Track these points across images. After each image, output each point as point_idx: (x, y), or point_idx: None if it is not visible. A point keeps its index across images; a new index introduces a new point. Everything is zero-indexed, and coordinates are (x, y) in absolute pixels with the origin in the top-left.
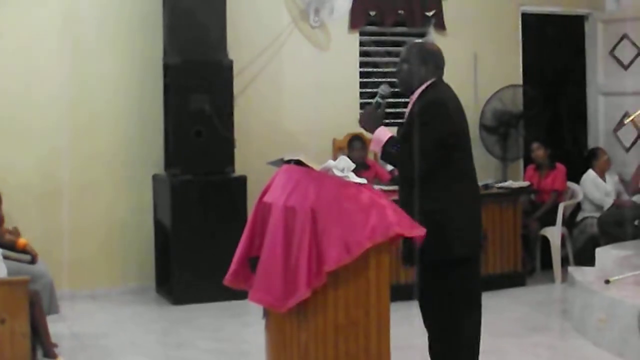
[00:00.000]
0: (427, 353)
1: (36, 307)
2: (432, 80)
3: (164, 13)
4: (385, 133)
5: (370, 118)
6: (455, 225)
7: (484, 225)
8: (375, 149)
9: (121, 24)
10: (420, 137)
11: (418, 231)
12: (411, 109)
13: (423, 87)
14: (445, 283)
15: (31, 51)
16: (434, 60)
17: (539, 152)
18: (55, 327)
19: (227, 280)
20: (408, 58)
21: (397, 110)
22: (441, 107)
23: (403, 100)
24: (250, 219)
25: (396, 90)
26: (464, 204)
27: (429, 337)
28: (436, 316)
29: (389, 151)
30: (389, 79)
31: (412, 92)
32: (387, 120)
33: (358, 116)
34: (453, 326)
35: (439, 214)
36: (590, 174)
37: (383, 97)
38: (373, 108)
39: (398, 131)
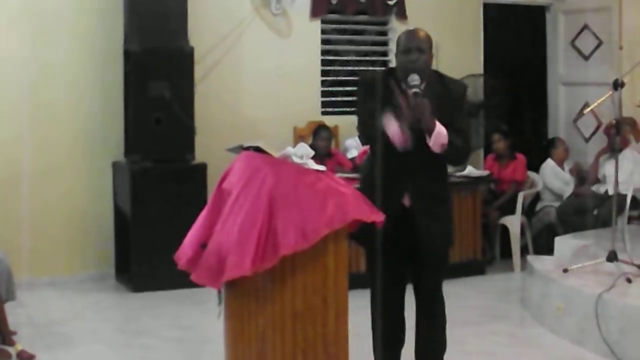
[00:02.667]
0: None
1: None
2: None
3: None
4: (441, 127)
5: (425, 107)
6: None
7: None
8: (438, 143)
9: (82, 10)
10: (467, 121)
11: (376, 217)
12: (426, 90)
13: (429, 73)
14: (444, 263)
15: None
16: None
17: (499, 143)
18: (14, 314)
19: (183, 265)
20: (424, 48)
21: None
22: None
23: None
24: (208, 205)
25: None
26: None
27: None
28: (435, 293)
29: (456, 144)
30: (350, 68)
31: (424, 81)
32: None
33: (419, 116)
34: (442, 301)
35: (449, 202)
36: (550, 162)
37: (419, 87)
38: (419, 97)
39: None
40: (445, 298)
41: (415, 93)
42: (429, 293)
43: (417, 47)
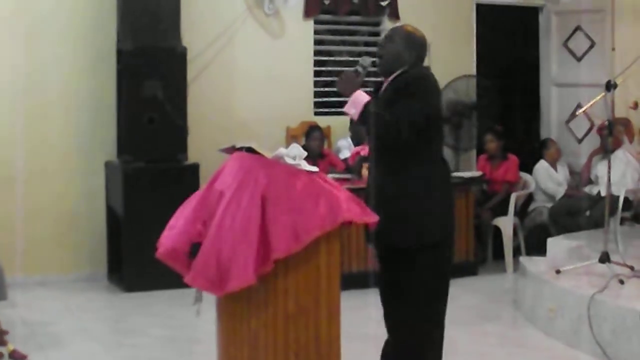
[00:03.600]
0: (379, 342)
1: None
2: (409, 66)
3: None
4: (364, 95)
5: (349, 81)
6: (426, 208)
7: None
8: (351, 110)
9: (75, 10)
10: (409, 105)
11: (369, 218)
12: (387, 88)
13: (401, 71)
14: (412, 270)
15: None
16: (417, 48)
17: (491, 144)
18: (6, 313)
19: (161, 255)
20: (394, 39)
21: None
22: (428, 83)
23: None
24: (195, 200)
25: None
26: (436, 187)
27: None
28: (400, 305)
29: (369, 110)
30: (342, 68)
31: (389, 76)
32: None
33: (341, 84)
34: (416, 316)
35: (410, 197)
36: (543, 163)
37: (363, 67)
38: (352, 73)
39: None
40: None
41: (356, 70)
42: (388, 320)
43: (387, 37)
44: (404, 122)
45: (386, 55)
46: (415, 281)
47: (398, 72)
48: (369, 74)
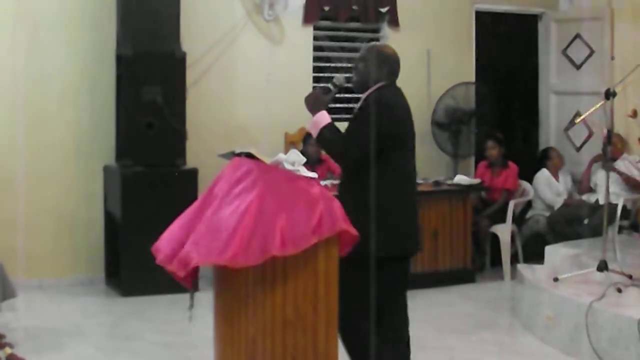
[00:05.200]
0: None
1: None
2: (385, 83)
3: (117, 4)
4: (326, 117)
5: (317, 100)
6: (389, 221)
7: (434, 221)
8: (312, 129)
9: (75, 15)
10: (359, 130)
11: (354, 230)
12: (358, 107)
13: (374, 87)
14: (370, 281)
15: None
16: (389, 64)
17: (493, 151)
18: (3, 317)
19: (161, 261)
20: (366, 58)
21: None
22: (387, 108)
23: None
24: (194, 207)
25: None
26: (399, 202)
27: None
28: (356, 315)
29: (325, 135)
30: (344, 74)
31: (364, 92)
32: (337, 115)
33: (308, 101)
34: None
35: (377, 210)
36: (544, 173)
37: (335, 85)
38: (322, 91)
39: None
40: (434, 307)
41: (327, 88)
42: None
43: (360, 57)
44: (352, 146)
45: (359, 74)
46: (376, 290)
47: (373, 88)
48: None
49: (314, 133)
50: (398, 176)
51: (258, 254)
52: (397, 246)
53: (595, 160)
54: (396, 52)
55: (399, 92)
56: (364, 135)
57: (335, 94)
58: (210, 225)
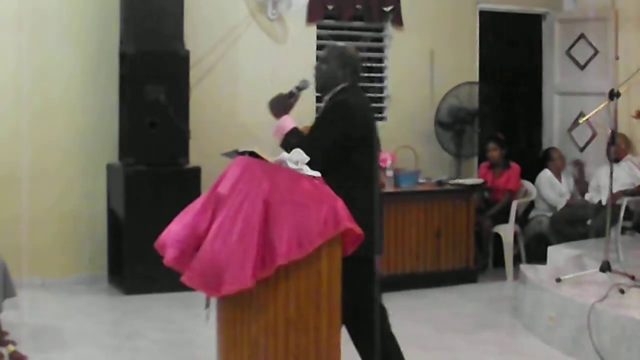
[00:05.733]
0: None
1: None
2: (347, 84)
3: (120, 2)
4: (289, 122)
5: (280, 104)
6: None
7: (436, 221)
8: (276, 135)
9: (78, 13)
10: (321, 134)
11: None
12: (322, 108)
13: (337, 89)
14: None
15: None
16: (352, 65)
17: (494, 152)
18: (6, 315)
19: (170, 262)
20: (328, 59)
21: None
22: (346, 109)
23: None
24: (198, 204)
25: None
26: (357, 204)
27: None
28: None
29: (289, 140)
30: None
31: (327, 93)
32: None
33: (272, 106)
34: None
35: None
36: (547, 173)
37: (299, 89)
38: (286, 95)
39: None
40: (436, 307)
41: (291, 92)
42: None
43: (321, 58)
44: (314, 149)
45: (322, 76)
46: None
47: (336, 89)
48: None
49: (278, 138)
50: (360, 177)
51: (267, 271)
52: (361, 247)
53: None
54: (358, 53)
55: (361, 93)
56: (325, 138)
57: (299, 97)
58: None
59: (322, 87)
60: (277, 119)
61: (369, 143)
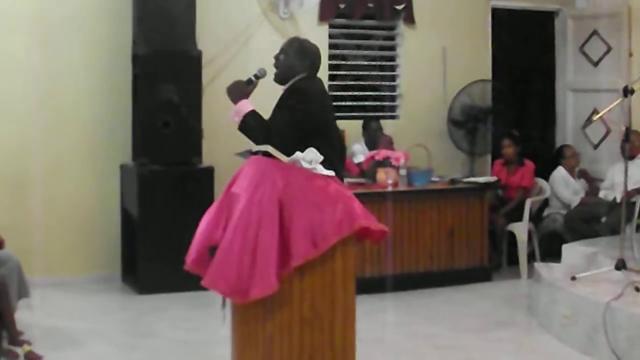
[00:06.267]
0: (393, 347)
1: (2, 294)
2: (304, 74)
3: (133, 3)
4: (247, 106)
5: (238, 89)
6: None
7: (450, 219)
8: (234, 118)
9: (90, 14)
10: (278, 118)
11: (382, 225)
12: (281, 97)
13: (295, 79)
14: None
15: (0, 41)
16: (310, 57)
17: (509, 149)
18: (21, 314)
19: (189, 266)
20: (287, 51)
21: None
22: (302, 95)
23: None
24: (214, 206)
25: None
26: None
27: None
28: None
29: (248, 122)
30: (357, 72)
31: (285, 84)
32: None
33: (230, 91)
34: None
35: None
36: (561, 171)
37: (257, 77)
38: (244, 82)
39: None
40: (451, 305)
41: (249, 79)
42: None
43: (281, 49)
44: (275, 132)
45: (281, 67)
46: None
47: (293, 80)
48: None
49: (237, 121)
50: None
51: (284, 271)
52: None
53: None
54: (317, 47)
55: (319, 83)
56: (282, 122)
57: (256, 84)
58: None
59: (280, 77)
60: (235, 104)
61: (328, 131)
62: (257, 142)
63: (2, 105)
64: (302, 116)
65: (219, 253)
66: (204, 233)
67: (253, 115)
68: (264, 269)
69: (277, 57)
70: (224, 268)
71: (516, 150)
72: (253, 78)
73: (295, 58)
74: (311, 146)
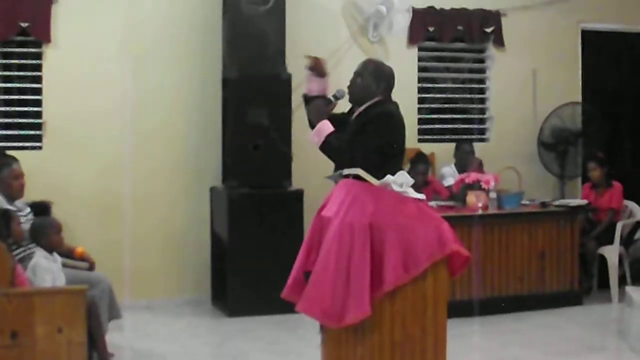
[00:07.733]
0: None
1: (93, 316)
2: (381, 97)
3: (223, 27)
4: (329, 126)
5: (318, 110)
6: None
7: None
8: (314, 138)
9: (181, 38)
10: (364, 139)
11: (467, 251)
12: (357, 117)
13: (371, 102)
14: None
15: (92, 64)
16: (386, 80)
17: (595, 172)
18: (112, 336)
19: (285, 294)
20: (363, 73)
21: None
22: (392, 120)
23: None
24: (308, 233)
25: None
26: None
27: None
28: None
29: (331, 142)
30: (446, 95)
31: (360, 105)
32: None
33: (311, 112)
34: None
35: None
36: None
37: (336, 97)
38: (324, 103)
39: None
40: (541, 329)
41: (328, 100)
42: None
43: (357, 71)
44: (359, 155)
45: (357, 89)
46: None
47: (369, 102)
48: None
49: (318, 141)
50: None
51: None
52: None
53: None
54: (392, 69)
55: (397, 106)
56: (368, 144)
57: (335, 105)
58: (338, 278)
59: (356, 99)
60: (316, 124)
61: (402, 156)
62: (339, 163)
63: (94, 127)
64: (388, 141)
65: (312, 279)
66: (299, 261)
67: (335, 136)
68: (357, 295)
69: (353, 80)
70: (318, 294)
71: (603, 173)
72: (332, 99)
73: (372, 80)
74: (385, 169)
